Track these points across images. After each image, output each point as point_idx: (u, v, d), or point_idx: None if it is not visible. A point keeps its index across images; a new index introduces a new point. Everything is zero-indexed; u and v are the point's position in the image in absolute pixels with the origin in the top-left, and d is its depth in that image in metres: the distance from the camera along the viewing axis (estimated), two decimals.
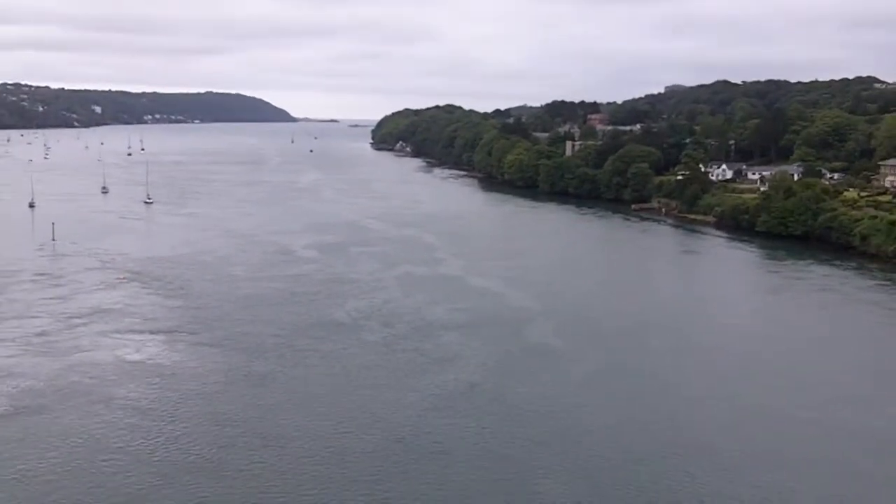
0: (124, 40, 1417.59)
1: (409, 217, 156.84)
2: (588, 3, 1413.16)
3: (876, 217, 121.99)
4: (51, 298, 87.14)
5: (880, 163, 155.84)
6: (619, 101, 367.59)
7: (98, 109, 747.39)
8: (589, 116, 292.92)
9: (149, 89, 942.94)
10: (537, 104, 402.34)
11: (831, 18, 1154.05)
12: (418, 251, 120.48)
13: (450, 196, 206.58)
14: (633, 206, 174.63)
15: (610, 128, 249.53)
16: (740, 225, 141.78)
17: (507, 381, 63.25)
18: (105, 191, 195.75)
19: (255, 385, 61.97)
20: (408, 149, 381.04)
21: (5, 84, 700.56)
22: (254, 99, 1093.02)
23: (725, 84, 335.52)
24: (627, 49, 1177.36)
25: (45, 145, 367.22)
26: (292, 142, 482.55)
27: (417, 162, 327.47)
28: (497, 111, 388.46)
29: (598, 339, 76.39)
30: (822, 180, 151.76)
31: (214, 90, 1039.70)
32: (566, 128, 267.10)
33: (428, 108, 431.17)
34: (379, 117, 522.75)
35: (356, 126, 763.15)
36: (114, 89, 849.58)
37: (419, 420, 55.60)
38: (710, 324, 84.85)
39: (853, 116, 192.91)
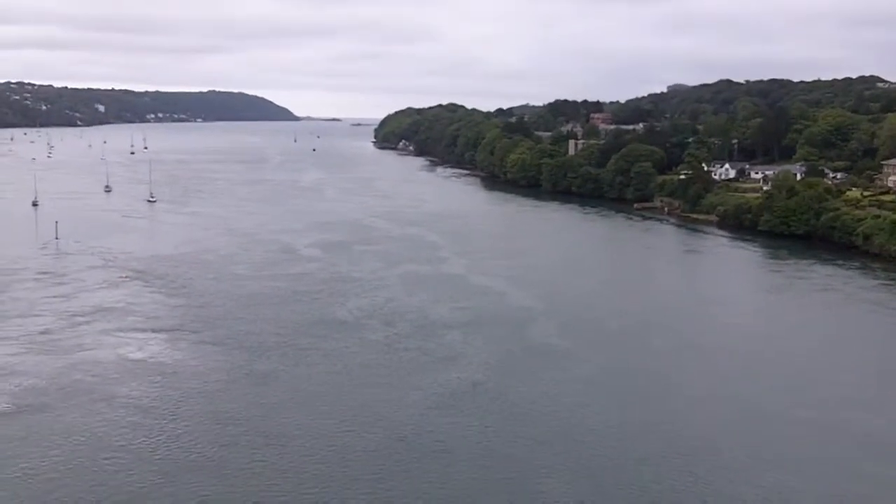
0: (126, 40, 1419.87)
1: (411, 216, 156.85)
2: (588, 2, 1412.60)
3: (879, 216, 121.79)
4: (54, 297, 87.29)
5: (883, 162, 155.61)
6: (622, 100, 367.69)
7: (101, 108, 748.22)
8: (592, 115, 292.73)
9: (152, 88, 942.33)
10: (539, 103, 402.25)
11: (830, 17, 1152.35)
12: (421, 250, 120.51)
13: (452, 195, 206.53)
14: (635, 206, 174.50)
15: (613, 127, 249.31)
16: (743, 224, 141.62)
17: (509, 381, 63.25)
18: (108, 189, 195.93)
19: (257, 384, 62.03)
20: (410, 148, 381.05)
21: (9, 83, 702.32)
22: (256, 98, 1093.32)
23: (728, 83, 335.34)
24: (628, 47, 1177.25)
25: (48, 144, 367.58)
26: (295, 141, 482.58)
27: (420, 161, 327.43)
28: (500, 110, 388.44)
29: (600, 338, 76.37)
30: (825, 180, 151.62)
31: (217, 89, 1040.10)
32: (569, 127, 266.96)
33: (430, 107, 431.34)
34: (381, 116, 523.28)
35: (359, 125, 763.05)
36: (117, 88, 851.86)
37: (421, 419, 55.62)
38: (712, 323, 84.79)
39: (856, 116, 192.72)
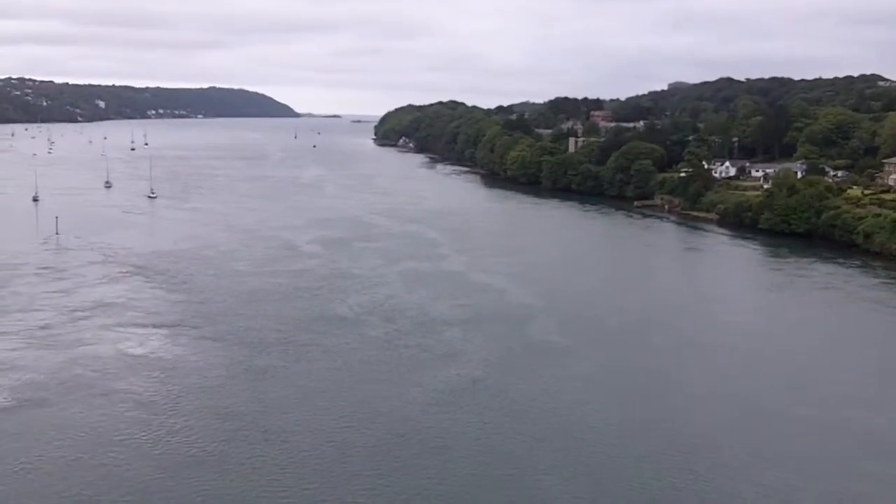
0: (126, 35, 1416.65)
1: (412, 213, 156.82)
2: None
3: (880, 215, 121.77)
4: (54, 292, 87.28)
5: (884, 160, 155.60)
6: (623, 98, 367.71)
7: (102, 104, 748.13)
8: (592, 113, 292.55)
9: (152, 84, 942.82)
10: (540, 101, 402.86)
11: (830, 15, 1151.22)
12: (421, 247, 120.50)
13: (452, 192, 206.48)
14: (635, 203, 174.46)
15: (613, 124, 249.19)
16: (743, 222, 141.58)
17: (509, 378, 63.25)
18: (108, 185, 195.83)
19: (257, 379, 62.03)
20: (411, 145, 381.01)
21: (9, 79, 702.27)
22: (257, 94, 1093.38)
23: (729, 81, 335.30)
24: (629, 45, 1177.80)
25: (48, 140, 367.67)
26: (295, 137, 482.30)
27: (420, 158, 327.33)
28: (500, 107, 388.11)
29: (600, 335, 76.37)
30: (826, 178, 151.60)
31: (218, 85, 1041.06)
32: (569, 124, 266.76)
33: (431, 104, 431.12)
34: (381, 113, 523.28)
35: (359, 122, 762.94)
36: (117, 84, 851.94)
37: (421, 415, 55.63)
38: (712, 321, 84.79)
39: (857, 114, 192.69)
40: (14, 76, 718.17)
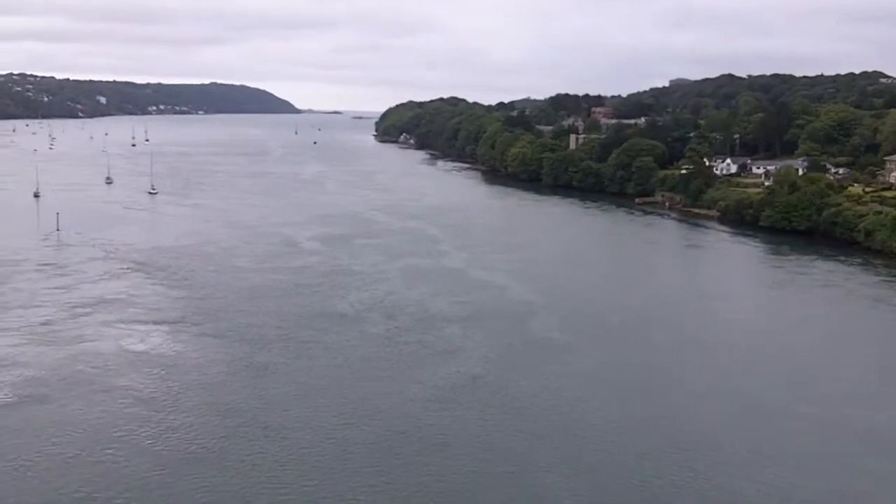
0: (128, 31, 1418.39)
1: (412, 209, 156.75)
2: None
3: (881, 212, 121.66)
4: (55, 288, 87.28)
5: (885, 158, 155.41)
6: (624, 95, 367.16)
7: (103, 100, 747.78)
8: (593, 110, 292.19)
9: (153, 80, 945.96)
10: (540, 97, 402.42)
11: (832, 12, 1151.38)
12: (422, 243, 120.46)
13: (453, 189, 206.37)
14: (636, 200, 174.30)
15: (614, 121, 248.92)
16: (744, 219, 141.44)
17: (509, 375, 63.23)
18: (109, 181, 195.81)
19: (258, 376, 62.03)
20: (411, 141, 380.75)
21: (11, 74, 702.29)
22: (257, 90, 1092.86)
23: (730, 78, 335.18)
24: (629, 41, 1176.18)
25: (49, 135, 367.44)
26: (296, 133, 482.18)
27: (421, 154, 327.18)
28: (501, 104, 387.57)
29: (601, 332, 76.34)
30: (827, 175, 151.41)
31: (218, 81, 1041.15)
32: (570, 121, 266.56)
33: (431, 101, 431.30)
34: (382, 109, 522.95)
35: (360, 118, 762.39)
36: (118, 80, 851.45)
37: (421, 412, 55.62)
38: (713, 318, 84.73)
39: (858, 111, 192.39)
40: (15, 72, 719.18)
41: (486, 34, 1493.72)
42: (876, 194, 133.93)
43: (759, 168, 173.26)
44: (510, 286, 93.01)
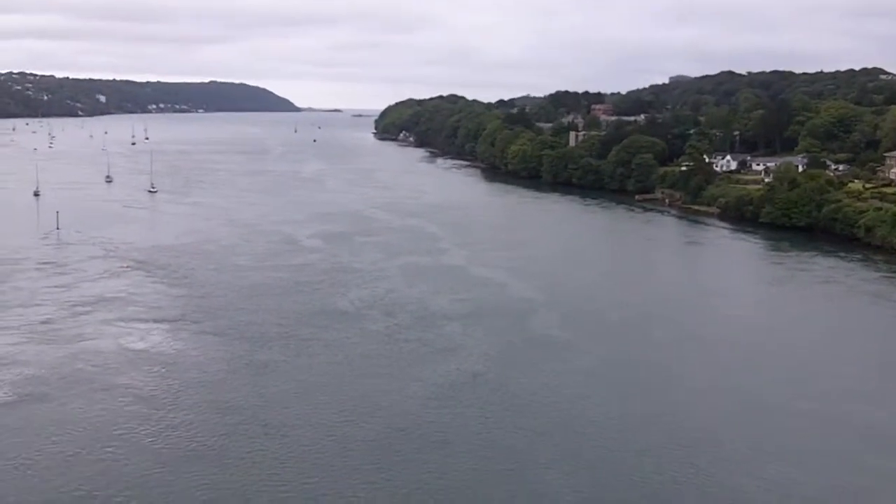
0: (128, 29, 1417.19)
1: (412, 207, 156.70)
2: None
3: (881, 209, 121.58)
4: (55, 287, 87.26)
5: (886, 154, 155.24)
6: (623, 92, 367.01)
7: (102, 98, 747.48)
8: (593, 107, 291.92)
9: (153, 78, 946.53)
10: (540, 94, 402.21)
11: (833, 8, 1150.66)
12: (422, 241, 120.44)
13: (453, 186, 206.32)
14: (636, 197, 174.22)
15: (614, 118, 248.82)
16: (744, 216, 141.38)
17: (509, 372, 63.22)
18: (109, 180, 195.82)
19: (258, 374, 62.02)
20: (411, 139, 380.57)
21: (10, 73, 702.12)
22: (257, 88, 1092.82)
23: (730, 75, 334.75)
24: (629, 38, 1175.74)
25: (49, 134, 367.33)
26: (295, 131, 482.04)
27: (421, 152, 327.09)
28: (500, 101, 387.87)
29: (601, 329, 76.32)
30: (827, 172, 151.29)
31: (218, 79, 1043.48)
32: (570, 118, 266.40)
33: (431, 98, 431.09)
34: (382, 107, 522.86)
35: (359, 116, 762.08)
36: (118, 78, 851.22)
37: (422, 410, 55.61)
38: (713, 315, 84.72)
39: (859, 107, 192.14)
40: (15, 70, 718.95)
41: (486, 31, 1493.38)
42: (876, 190, 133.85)
43: (759, 165, 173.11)
44: (510, 283, 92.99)
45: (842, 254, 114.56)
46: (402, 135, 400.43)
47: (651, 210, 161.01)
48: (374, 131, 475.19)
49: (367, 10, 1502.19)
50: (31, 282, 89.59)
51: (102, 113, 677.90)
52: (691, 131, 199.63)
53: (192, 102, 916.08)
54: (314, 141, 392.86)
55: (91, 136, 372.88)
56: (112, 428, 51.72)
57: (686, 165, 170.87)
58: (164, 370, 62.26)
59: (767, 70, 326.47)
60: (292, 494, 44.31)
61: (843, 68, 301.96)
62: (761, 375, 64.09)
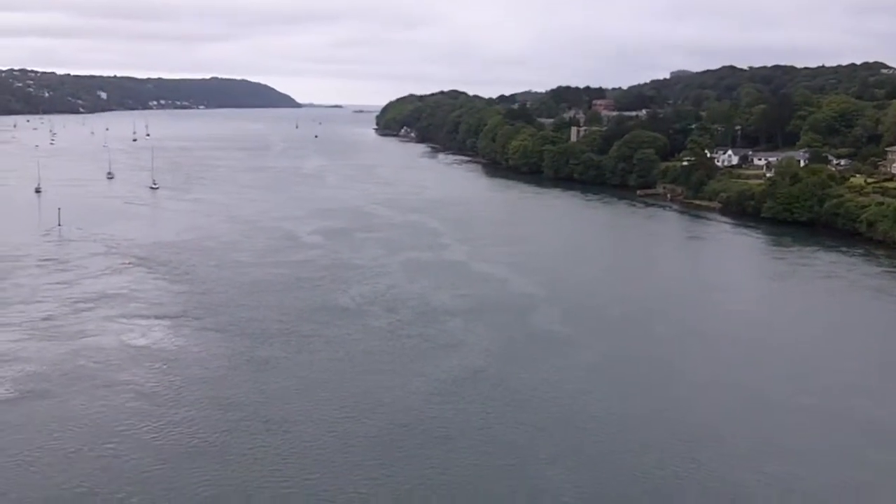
0: (129, 26, 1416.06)
1: (413, 203, 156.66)
2: None
3: (883, 203, 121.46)
4: (56, 283, 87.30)
5: (887, 149, 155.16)
6: (625, 87, 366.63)
7: (103, 95, 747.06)
8: (594, 102, 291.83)
9: (154, 75, 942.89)
10: (541, 90, 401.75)
11: (835, 3, 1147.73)
12: (423, 237, 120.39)
13: (454, 182, 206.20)
14: (638, 192, 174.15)
15: (615, 113, 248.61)
16: (746, 211, 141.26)
17: (511, 367, 63.21)
18: (110, 176, 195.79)
19: (259, 370, 62.04)
20: (412, 134, 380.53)
21: (11, 70, 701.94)
22: (258, 85, 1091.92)
23: (732, 69, 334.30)
24: (631, 33, 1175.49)
25: (50, 131, 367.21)
26: (297, 127, 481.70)
27: (422, 148, 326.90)
28: (502, 97, 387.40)
29: (602, 325, 76.29)
30: (829, 166, 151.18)
31: (219, 76, 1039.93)
32: (571, 113, 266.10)
33: (432, 94, 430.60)
34: (383, 103, 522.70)
35: (360, 112, 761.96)
36: (119, 75, 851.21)
37: (423, 405, 55.62)
38: (715, 310, 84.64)
39: (860, 102, 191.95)
40: (16, 67, 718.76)
41: (487, 27, 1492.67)
42: (878, 185, 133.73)
43: (760, 159, 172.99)
44: (511, 279, 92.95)
45: (843, 249, 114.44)
46: (403, 130, 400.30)
47: (652, 205, 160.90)
48: (376, 127, 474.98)
49: (368, 6, 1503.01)
50: (32, 278, 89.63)
51: (104, 109, 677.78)
52: (693, 126, 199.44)
53: (193, 99, 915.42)
54: (315, 137, 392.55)
55: (92, 133, 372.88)
56: (113, 424, 51.75)
57: (687, 160, 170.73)
58: (165, 366, 62.29)
59: (769, 65, 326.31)
60: (294, 490, 44.32)
61: (844, 63, 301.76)
62: (763, 371, 64.05)
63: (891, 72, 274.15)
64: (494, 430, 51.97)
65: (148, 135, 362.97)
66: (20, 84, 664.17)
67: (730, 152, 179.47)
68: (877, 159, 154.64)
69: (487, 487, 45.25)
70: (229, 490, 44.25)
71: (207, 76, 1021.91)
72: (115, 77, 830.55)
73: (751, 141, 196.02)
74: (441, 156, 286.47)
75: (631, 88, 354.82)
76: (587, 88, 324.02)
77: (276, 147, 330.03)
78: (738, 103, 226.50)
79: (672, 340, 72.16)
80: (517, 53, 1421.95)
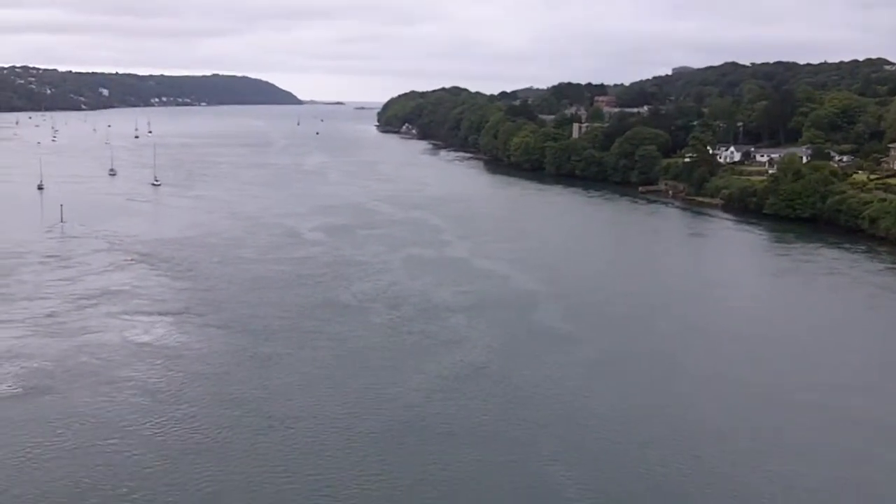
0: (130, 23, 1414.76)
1: (415, 199, 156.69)
2: None
3: (885, 200, 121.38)
4: (59, 280, 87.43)
5: (890, 145, 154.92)
6: (627, 83, 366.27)
7: (105, 92, 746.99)
8: (596, 98, 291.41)
9: (156, 72, 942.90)
10: (543, 86, 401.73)
11: None
12: (424, 233, 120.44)
13: (455, 178, 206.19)
14: (640, 189, 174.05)
15: (617, 110, 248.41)
16: (748, 208, 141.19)
17: (512, 364, 63.28)
18: (113, 173, 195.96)
19: (262, 366, 62.15)
20: (414, 131, 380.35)
21: (13, 67, 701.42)
22: (260, 81, 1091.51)
23: (734, 66, 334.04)
24: (633, 30, 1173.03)
25: (52, 128, 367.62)
26: (298, 124, 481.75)
27: (423, 144, 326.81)
28: (503, 93, 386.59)
29: (604, 321, 76.34)
30: (831, 163, 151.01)
31: (221, 73, 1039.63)
32: (573, 110, 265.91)
33: (434, 91, 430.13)
34: (384, 100, 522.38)
35: (362, 108, 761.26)
36: (121, 72, 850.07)
37: (425, 402, 55.69)
38: (717, 307, 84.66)
39: (863, 98, 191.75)
40: (18, 64, 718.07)
41: (488, 24, 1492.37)
42: (880, 181, 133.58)
43: (762, 156, 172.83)
44: (513, 275, 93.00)
45: (846, 245, 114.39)
46: (404, 127, 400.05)
47: (654, 202, 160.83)
48: (377, 124, 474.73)
49: (369, 3, 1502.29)
50: (35, 275, 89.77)
51: (105, 106, 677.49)
52: (695, 123, 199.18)
53: (194, 96, 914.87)
54: (317, 134, 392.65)
55: (94, 130, 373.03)
56: (116, 420, 51.88)
57: (689, 157, 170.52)
58: (168, 363, 62.41)
59: (771, 61, 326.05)
60: (296, 486, 44.44)
61: (847, 59, 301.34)
62: (765, 367, 64.08)
63: (893, 68, 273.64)
64: (496, 427, 52.04)
65: (150, 131, 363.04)
66: (22, 81, 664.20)
67: (732, 149, 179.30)
68: (879, 156, 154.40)
69: (489, 484, 45.33)
70: (232, 486, 44.37)
71: (209, 73, 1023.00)
72: (116, 74, 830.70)
73: (753, 137, 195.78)
74: (443, 152, 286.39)
75: (633, 85, 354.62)
76: (589, 85, 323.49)
77: (277, 144, 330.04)
78: (741, 100, 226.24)
79: (674, 337, 72.20)
80: (519, 50, 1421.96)
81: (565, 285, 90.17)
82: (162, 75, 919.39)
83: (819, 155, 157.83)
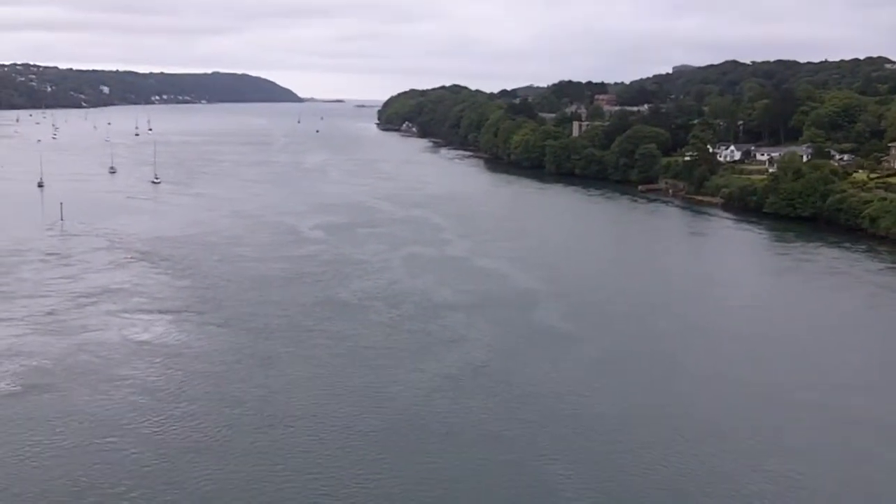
0: (131, 21, 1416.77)
1: (415, 198, 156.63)
2: None
3: (885, 199, 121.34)
4: (59, 278, 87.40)
5: (890, 144, 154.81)
6: (627, 82, 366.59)
7: (106, 90, 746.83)
8: (596, 97, 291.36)
9: (156, 70, 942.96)
10: (543, 84, 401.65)
11: None
12: (424, 232, 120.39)
13: (456, 177, 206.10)
14: (640, 188, 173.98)
15: (617, 108, 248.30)
16: (748, 206, 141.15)
17: (512, 363, 63.27)
18: (113, 171, 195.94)
19: (262, 365, 62.14)
20: (414, 129, 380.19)
21: (14, 64, 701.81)
22: (260, 79, 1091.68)
23: (734, 64, 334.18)
24: (633, 28, 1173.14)
25: (53, 125, 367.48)
26: (298, 122, 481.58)
27: (423, 142, 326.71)
28: (503, 91, 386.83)
29: (604, 320, 76.32)
30: (832, 162, 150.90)
31: (221, 70, 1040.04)
32: (573, 108, 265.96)
33: (434, 89, 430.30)
34: (385, 98, 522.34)
35: (362, 106, 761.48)
36: (121, 70, 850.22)
37: (425, 401, 55.68)
38: (717, 306, 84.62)
39: (863, 97, 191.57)
40: (19, 62, 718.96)
41: (489, 22, 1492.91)
42: (881, 180, 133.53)
43: (763, 155, 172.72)
44: (513, 274, 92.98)
45: (846, 244, 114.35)
46: (405, 125, 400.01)
47: (654, 201, 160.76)
48: (377, 122, 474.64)
49: (368, 0, 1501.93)
50: (35, 273, 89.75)
51: (106, 104, 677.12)
52: (695, 121, 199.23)
53: (194, 93, 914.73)
54: (317, 132, 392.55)
55: (95, 128, 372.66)
56: (115, 419, 51.88)
57: (690, 155, 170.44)
58: (167, 361, 62.40)
59: (772, 59, 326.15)
60: (296, 485, 44.43)
61: (847, 58, 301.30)
62: (765, 366, 64.06)
63: (894, 66, 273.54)
64: (496, 426, 52.02)
65: (150, 129, 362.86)
66: (23, 78, 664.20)
67: (732, 147, 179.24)
68: (880, 155, 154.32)
69: (489, 483, 45.32)
70: (231, 485, 44.35)
71: (209, 71, 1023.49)
72: (117, 72, 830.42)
73: (753, 136, 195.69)
74: (443, 151, 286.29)
75: (633, 83, 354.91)
76: (589, 83, 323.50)
77: (277, 142, 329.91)
78: (741, 98, 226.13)
79: (674, 336, 72.19)
80: (519, 48, 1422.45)
81: (565, 284, 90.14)
82: (162, 73, 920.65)
83: (819, 154, 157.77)
